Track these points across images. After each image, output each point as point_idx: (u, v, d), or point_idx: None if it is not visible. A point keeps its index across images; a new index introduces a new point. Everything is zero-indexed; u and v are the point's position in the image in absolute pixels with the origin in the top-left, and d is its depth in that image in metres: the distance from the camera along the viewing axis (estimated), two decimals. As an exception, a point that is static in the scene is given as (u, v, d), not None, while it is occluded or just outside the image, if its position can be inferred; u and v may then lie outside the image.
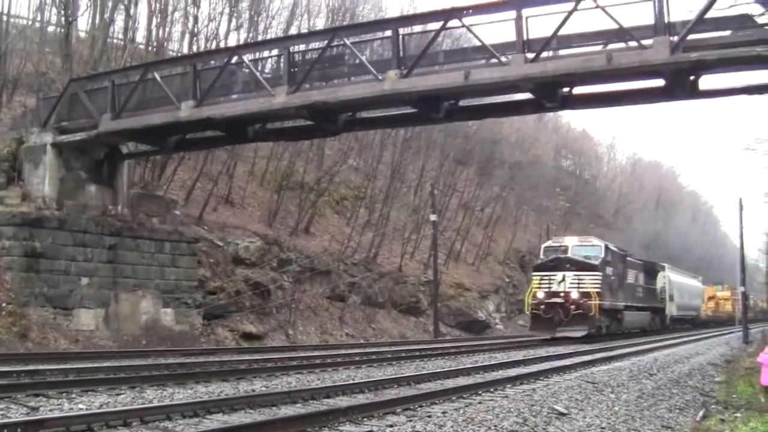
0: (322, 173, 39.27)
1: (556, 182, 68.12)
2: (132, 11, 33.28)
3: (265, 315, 29.63)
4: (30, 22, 34.76)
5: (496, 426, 9.08)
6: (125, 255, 23.63)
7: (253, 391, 11.99)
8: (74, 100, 23.47)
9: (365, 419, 9.42)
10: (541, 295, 28.51)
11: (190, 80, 21.22)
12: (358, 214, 40.77)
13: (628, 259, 34.39)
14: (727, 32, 15.79)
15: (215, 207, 32.30)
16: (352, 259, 36.92)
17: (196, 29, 34.44)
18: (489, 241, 52.43)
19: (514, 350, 24.02)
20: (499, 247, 54.39)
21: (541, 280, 29.07)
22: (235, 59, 20.92)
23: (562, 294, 28.04)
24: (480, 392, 12.21)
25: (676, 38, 15.35)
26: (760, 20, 15.25)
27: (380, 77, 18.25)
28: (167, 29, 34.73)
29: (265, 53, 26.77)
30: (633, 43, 15.92)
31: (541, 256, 30.99)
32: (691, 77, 16.93)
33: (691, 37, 15.37)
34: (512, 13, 16.96)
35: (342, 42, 19.43)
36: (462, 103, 20.91)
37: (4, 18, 31.17)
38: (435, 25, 18.67)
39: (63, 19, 29.42)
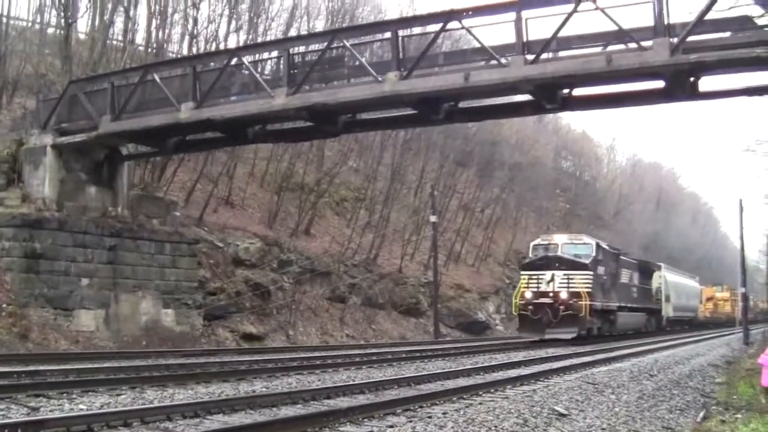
0: (322, 174, 39.26)
1: (556, 183, 68.10)
2: (132, 13, 33.34)
3: (266, 316, 29.64)
4: (30, 24, 34.78)
5: (496, 427, 9.09)
6: (125, 256, 23.65)
7: (254, 391, 12.00)
8: (74, 101, 23.48)
9: (365, 420, 9.43)
10: (528, 295, 27.59)
11: (189, 82, 21.23)
12: (358, 215, 40.78)
13: (622, 258, 33.45)
14: (727, 34, 15.79)
15: (215, 208, 32.31)
16: (353, 261, 36.91)
17: (195, 31, 34.49)
18: (489, 242, 52.44)
19: (514, 351, 23.96)
20: (499, 249, 54.40)
21: (529, 279, 28.10)
22: (234, 61, 20.92)
23: (550, 294, 27.10)
24: (480, 393, 12.23)
25: (675, 40, 15.36)
26: (759, 22, 15.26)
27: (380, 79, 18.27)
28: (167, 31, 34.77)
29: (265, 55, 26.86)
30: (633, 45, 15.93)
31: (530, 255, 29.96)
32: (691, 79, 16.94)
33: (690, 38, 15.38)
34: (512, 15, 16.97)
35: (341, 44, 19.44)
36: (462, 104, 20.91)
37: (4, 20, 31.25)
38: (434, 27, 18.66)
39: (63, 20, 29.44)
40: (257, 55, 25.54)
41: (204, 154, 32.24)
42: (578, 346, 25.03)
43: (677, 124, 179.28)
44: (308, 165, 39.28)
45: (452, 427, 8.90)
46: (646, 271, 38.51)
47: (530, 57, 16.77)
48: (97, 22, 32.36)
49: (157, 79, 21.82)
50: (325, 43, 19.83)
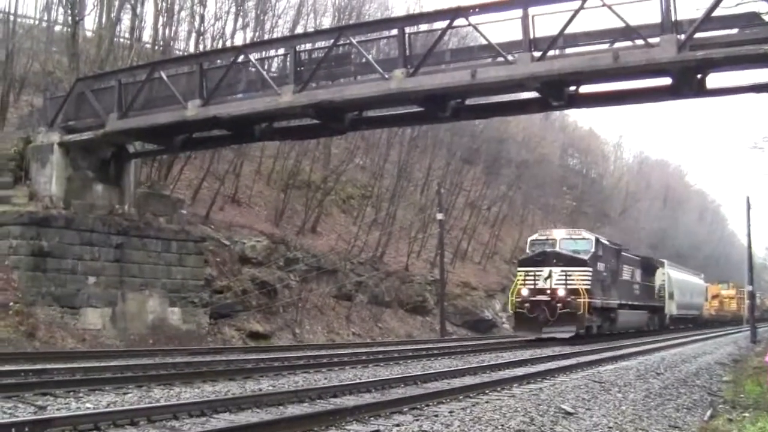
0: (329, 172, 39.29)
1: (562, 181, 68.04)
2: (138, 10, 33.40)
3: (272, 314, 29.65)
4: (37, 22, 34.85)
5: (503, 425, 9.06)
6: (132, 254, 23.67)
7: (260, 390, 12.02)
8: (81, 99, 23.50)
9: (372, 418, 9.42)
10: (525, 292, 26.74)
11: (196, 79, 21.20)
12: (364, 213, 40.76)
13: (623, 254, 32.47)
14: (735, 30, 15.73)
15: (222, 206, 32.35)
16: (359, 258, 36.91)
17: (202, 28, 34.59)
18: (496, 240, 52.40)
19: (521, 349, 23.90)
20: (506, 246, 54.35)
21: (525, 276, 27.18)
22: (241, 58, 20.89)
23: (548, 291, 26.21)
24: (487, 391, 12.22)
25: (683, 36, 15.29)
26: (767, 18, 15.19)
27: (387, 76, 18.21)
28: (173, 28, 34.88)
29: (272, 52, 26.77)
30: (640, 42, 15.85)
31: (527, 250, 29.14)
32: (698, 75, 16.86)
33: (698, 35, 15.31)
34: (519, 12, 16.91)
35: (348, 41, 19.37)
36: (468, 101, 20.84)
37: (12, 18, 31.33)
38: (441, 24, 18.66)
39: (70, 18, 29.56)
40: (264, 53, 25.59)
41: (210, 152, 32.27)
42: (579, 345, 24.59)
43: (684, 122, 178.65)
44: (315, 163, 39.30)
45: (459, 426, 8.88)
46: (648, 267, 37.74)
47: (537, 54, 16.71)
48: (104, 20, 32.51)
49: (164, 77, 21.80)
50: (332, 41, 19.76)
